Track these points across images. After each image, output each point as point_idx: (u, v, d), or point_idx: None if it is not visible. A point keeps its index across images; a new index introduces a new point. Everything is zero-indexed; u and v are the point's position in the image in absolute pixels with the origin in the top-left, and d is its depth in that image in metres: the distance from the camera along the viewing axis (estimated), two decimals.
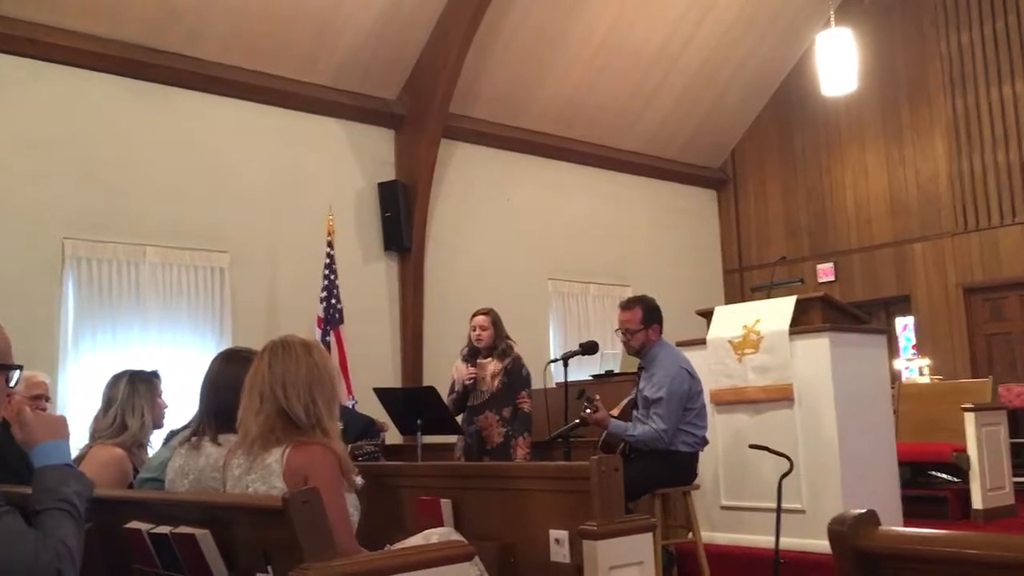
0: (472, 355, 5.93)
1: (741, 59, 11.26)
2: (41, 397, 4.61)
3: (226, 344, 7.60)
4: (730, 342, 5.74)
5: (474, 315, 5.97)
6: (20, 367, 2.31)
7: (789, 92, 11.88)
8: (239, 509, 2.57)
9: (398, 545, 2.89)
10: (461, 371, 5.91)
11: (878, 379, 5.84)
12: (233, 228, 8.13)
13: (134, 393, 3.76)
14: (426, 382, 8.32)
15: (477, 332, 5.88)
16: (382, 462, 6.01)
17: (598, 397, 5.02)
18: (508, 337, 5.94)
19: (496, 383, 5.78)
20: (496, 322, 5.90)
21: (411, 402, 6.29)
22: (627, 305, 5.22)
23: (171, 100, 7.93)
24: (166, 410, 3.97)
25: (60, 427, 2.32)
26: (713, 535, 5.63)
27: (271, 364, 2.76)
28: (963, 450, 6.70)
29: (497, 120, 10.09)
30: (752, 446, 5.04)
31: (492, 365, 5.82)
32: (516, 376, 5.79)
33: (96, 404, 3.85)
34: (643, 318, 5.10)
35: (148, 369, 4.00)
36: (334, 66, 8.79)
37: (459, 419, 5.94)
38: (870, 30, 10.78)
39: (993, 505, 6.64)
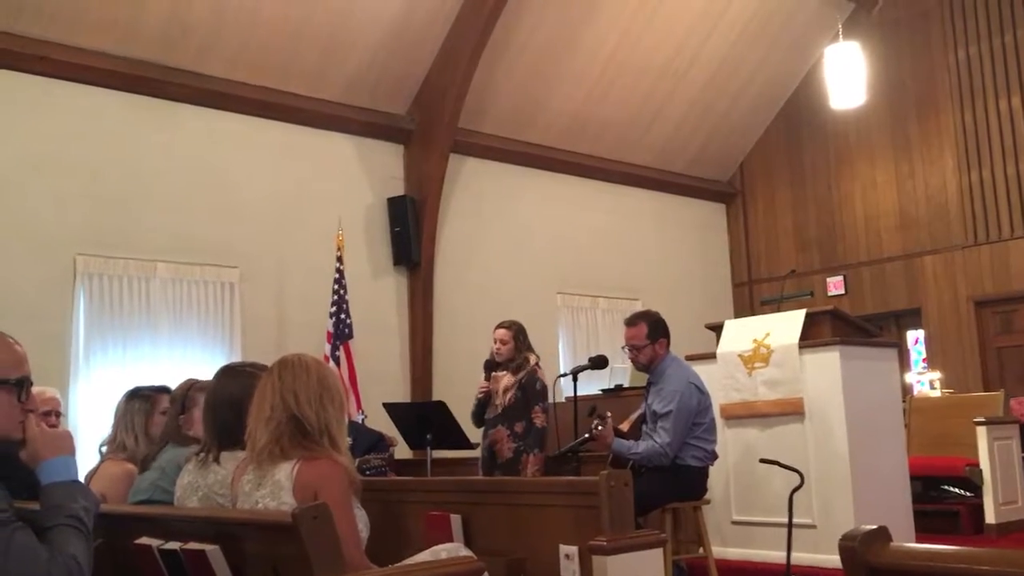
0: (490, 367, 5.89)
1: (749, 73, 11.27)
2: (51, 413, 4.61)
3: (236, 359, 7.61)
4: (740, 356, 5.73)
5: (496, 328, 5.89)
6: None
7: (798, 105, 11.87)
8: (249, 525, 2.57)
9: (407, 561, 2.88)
10: (480, 384, 5.90)
11: (889, 393, 5.81)
12: (243, 243, 8.16)
13: (128, 411, 3.80)
14: (435, 397, 8.33)
15: (497, 345, 5.81)
16: (391, 477, 6.00)
17: (609, 415, 5.01)
18: (531, 351, 5.83)
19: (508, 397, 5.70)
20: (517, 336, 5.80)
21: (420, 417, 6.30)
22: (632, 321, 5.20)
23: (181, 116, 7.97)
24: None
25: (66, 443, 2.32)
26: (724, 550, 5.60)
27: (281, 376, 2.79)
28: (976, 464, 6.67)
29: (506, 135, 10.10)
30: (763, 460, 5.02)
31: (506, 379, 5.76)
32: (530, 390, 5.68)
33: (106, 419, 3.87)
34: (648, 333, 5.08)
35: (155, 385, 4.03)
36: (343, 82, 8.83)
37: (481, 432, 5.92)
38: (878, 43, 10.78)
39: (1006, 519, 6.61)
